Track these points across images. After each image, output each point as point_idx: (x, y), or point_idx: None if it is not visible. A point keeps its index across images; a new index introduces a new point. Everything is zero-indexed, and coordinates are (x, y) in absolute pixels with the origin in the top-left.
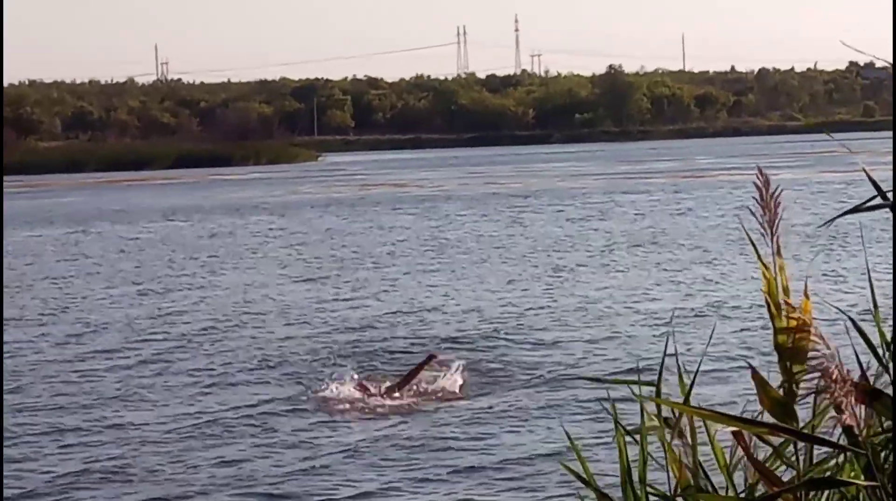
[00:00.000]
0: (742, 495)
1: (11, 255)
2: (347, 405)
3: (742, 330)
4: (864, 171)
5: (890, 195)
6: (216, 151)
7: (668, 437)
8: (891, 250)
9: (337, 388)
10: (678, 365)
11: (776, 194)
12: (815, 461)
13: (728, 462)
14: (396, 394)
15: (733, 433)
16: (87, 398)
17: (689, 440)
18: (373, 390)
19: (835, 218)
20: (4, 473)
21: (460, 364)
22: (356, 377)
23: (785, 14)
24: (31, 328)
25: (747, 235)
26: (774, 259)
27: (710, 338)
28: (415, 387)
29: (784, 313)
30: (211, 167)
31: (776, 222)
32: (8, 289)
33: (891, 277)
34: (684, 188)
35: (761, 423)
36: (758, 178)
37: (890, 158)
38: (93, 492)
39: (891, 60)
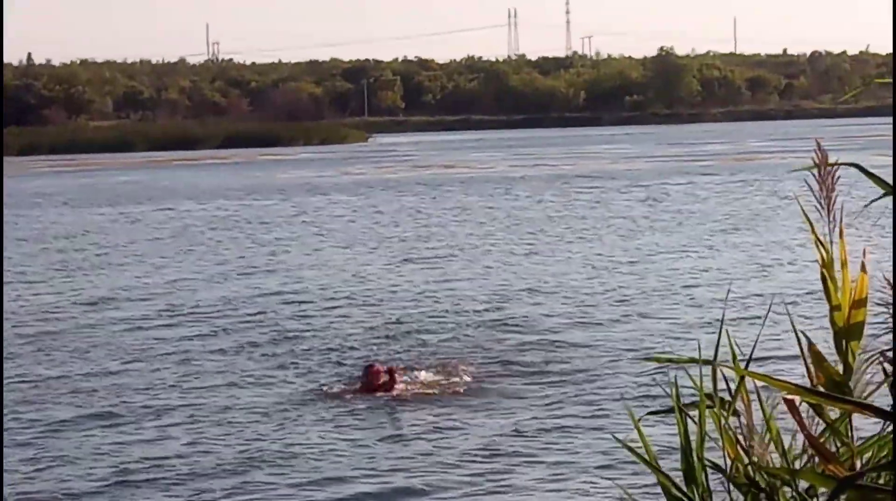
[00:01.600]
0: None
1: (67, 232)
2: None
3: (797, 313)
4: None
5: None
6: (266, 131)
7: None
8: None
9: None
10: (731, 347)
11: (833, 171)
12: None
13: (781, 439)
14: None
15: (788, 407)
16: (151, 380)
17: (745, 418)
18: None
19: (872, 201)
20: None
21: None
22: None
23: None
24: (75, 306)
25: (803, 211)
26: (831, 236)
27: (765, 320)
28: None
29: (839, 288)
30: (261, 147)
31: (833, 198)
32: (69, 267)
33: None
34: (735, 171)
35: (820, 392)
36: (816, 155)
37: None
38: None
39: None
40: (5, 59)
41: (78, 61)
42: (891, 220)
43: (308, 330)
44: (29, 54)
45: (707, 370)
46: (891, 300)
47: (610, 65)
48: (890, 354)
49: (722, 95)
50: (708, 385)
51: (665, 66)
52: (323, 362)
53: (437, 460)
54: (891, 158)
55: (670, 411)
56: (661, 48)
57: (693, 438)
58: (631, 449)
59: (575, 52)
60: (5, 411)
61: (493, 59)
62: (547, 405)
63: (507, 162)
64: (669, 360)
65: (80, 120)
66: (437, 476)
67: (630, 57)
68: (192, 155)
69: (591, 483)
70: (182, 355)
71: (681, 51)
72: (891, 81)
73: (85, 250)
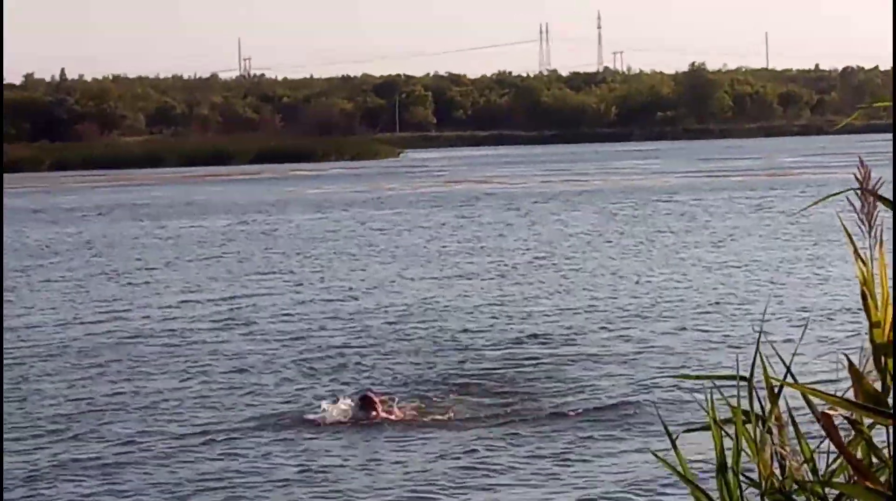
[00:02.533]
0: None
1: (102, 246)
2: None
3: (834, 329)
4: None
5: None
6: (298, 146)
7: (756, 432)
8: None
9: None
10: (763, 365)
11: (877, 186)
12: None
13: (814, 455)
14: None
15: (825, 422)
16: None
17: (778, 433)
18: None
19: None
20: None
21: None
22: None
23: (869, 12)
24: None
25: (844, 227)
26: (871, 252)
27: (801, 337)
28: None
29: (879, 305)
30: (292, 163)
31: (874, 214)
32: (109, 276)
33: None
34: (767, 186)
35: (861, 404)
36: (859, 170)
37: None
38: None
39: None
40: (39, 75)
41: (110, 77)
42: None
43: (338, 347)
44: (62, 70)
45: (743, 385)
46: None
47: (641, 80)
48: None
49: (754, 111)
50: (743, 401)
51: (696, 81)
52: (353, 377)
53: (467, 480)
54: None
55: (706, 428)
56: (693, 63)
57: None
58: (668, 464)
59: (606, 68)
60: (29, 421)
61: (525, 75)
62: (580, 420)
63: (538, 178)
64: (704, 376)
65: (113, 135)
66: (471, 493)
67: (661, 72)
68: (224, 170)
69: (625, 498)
70: (203, 370)
71: (712, 66)
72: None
73: (122, 263)
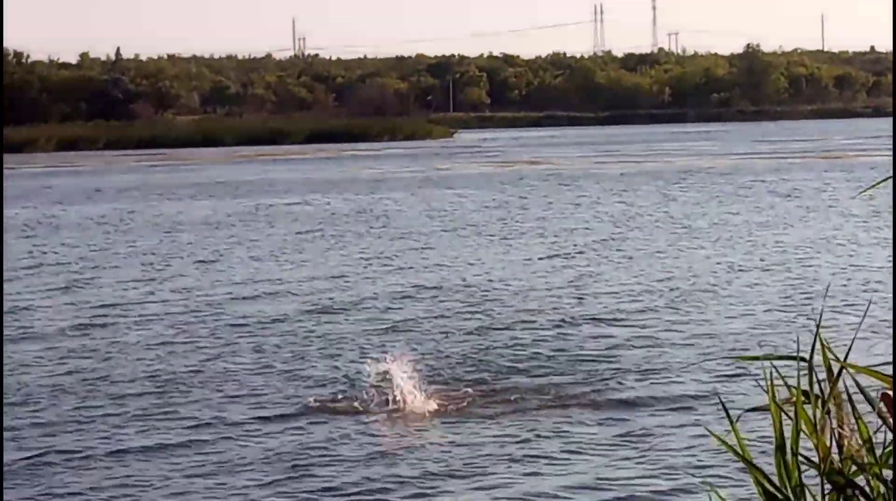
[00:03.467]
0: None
1: (163, 223)
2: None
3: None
4: None
5: None
6: (351, 126)
7: (816, 413)
8: None
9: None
10: (823, 346)
11: None
12: None
13: (872, 436)
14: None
15: (885, 402)
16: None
17: (837, 414)
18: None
19: None
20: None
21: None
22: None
23: None
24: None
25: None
26: None
27: (863, 319)
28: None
29: None
30: (346, 143)
31: None
32: (161, 254)
33: None
34: (824, 168)
35: None
36: None
37: None
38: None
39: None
40: (94, 55)
41: (165, 56)
42: None
43: (398, 325)
44: (117, 49)
45: (803, 366)
46: None
47: (696, 62)
48: None
49: (809, 93)
50: (802, 382)
51: (752, 63)
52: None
53: (521, 464)
54: None
55: (765, 409)
56: (748, 45)
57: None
58: (727, 445)
59: (661, 49)
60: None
61: (579, 56)
62: (639, 401)
63: (592, 158)
64: (763, 357)
65: (167, 115)
66: (538, 476)
67: (716, 54)
68: (278, 150)
69: (681, 479)
70: (257, 347)
71: (768, 48)
72: None
73: (185, 243)
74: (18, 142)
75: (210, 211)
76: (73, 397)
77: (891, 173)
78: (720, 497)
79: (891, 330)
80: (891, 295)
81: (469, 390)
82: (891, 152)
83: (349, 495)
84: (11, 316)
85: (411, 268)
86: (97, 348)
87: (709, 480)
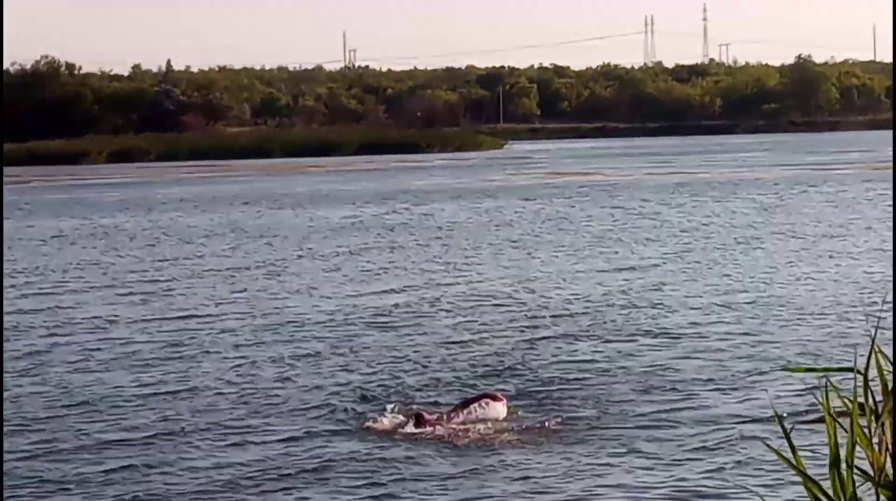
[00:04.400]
0: None
1: (221, 233)
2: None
3: None
4: None
5: None
6: (402, 138)
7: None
8: None
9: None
10: (878, 358)
11: None
12: None
13: None
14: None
15: None
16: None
17: (890, 428)
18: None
19: None
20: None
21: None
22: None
23: None
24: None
25: None
26: None
27: None
28: None
29: None
30: (396, 154)
31: None
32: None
33: None
34: (880, 179)
35: None
36: None
37: None
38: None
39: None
40: (146, 66)
41: (216, 68)
42: None
43: (450, 337)
44: (168, 61)
45: (858, 379)
46: None
47: (747, 72)
48: None
49: (860, 104)
50: (857, 394)
51: (803, 73)
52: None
53: (561, 481)
54: None
55: (819, 421)
56: (799, 56)
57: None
58: (781, 456)
59: (711, 60)
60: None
61: (629, 67)
62: (692, 411)
63: (643, 170)
64: (818, 369)
65: (218, 126)
66: (596, 486)
67: (767, 65)
68: (328, 162)
69: (736, 492)
70: (303, 358)
71: (819, 58)
72: None
73: (250, 253)
74: (71, 153)
75: (266, 222)
76: (154, 407)
77: None
78: None
79: None
80: None
81: (528, 400)
82: None
83: None
84: (79, 324)
85: (472, 279)
86: (174, 357)
87: (764, 494)
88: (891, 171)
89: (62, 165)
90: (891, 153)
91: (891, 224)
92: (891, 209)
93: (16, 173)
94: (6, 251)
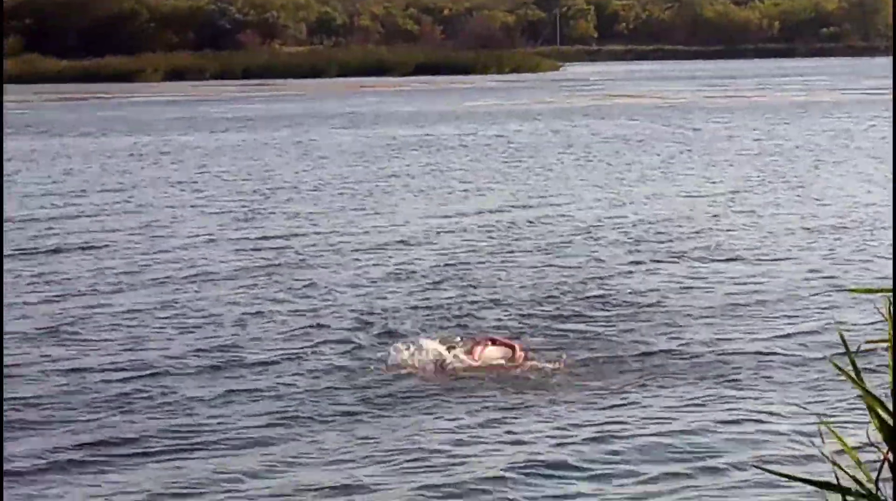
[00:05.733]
0: None
1: (275, 150)
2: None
3: None
4: None
5: None
6: (458, 59)
7: None
8: None
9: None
10: None
11: None
12: None
13: None
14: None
15: None
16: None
17: None
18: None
19: None
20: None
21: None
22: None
23: None
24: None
25: None
26: None
27: None
28: None
29: None
30: (452, 75)
31: None
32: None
33: None
34: None
35: None
36: None
37: None
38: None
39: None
40: None
41: None
42: None
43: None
44: None
45: None
46: None
47: None
48: None
49: None
50: None
51: None
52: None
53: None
54: None
55: (884, 341)
56: None
57: None
58: (845, 372)
59: None
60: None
61: None
62: (755, 334)
63: (701, 93)
64: (882, 290)
65: (273, 45)
66: (658, 407)
67: None
68: (384, 82)
69: (797, 413)
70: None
71: None
72: None
73: (332, 175)
74: (126, 72)
75: (324, 141)
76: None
77: None
78: (830, 427)
79: None
80: None
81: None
82: None
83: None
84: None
85: (551, 202)
86: (248, 275)
87: (825, 413)
88: None
89: (118, 83)
90: None
91: None
92: None
93: (71, 91)
94: (80, 164)
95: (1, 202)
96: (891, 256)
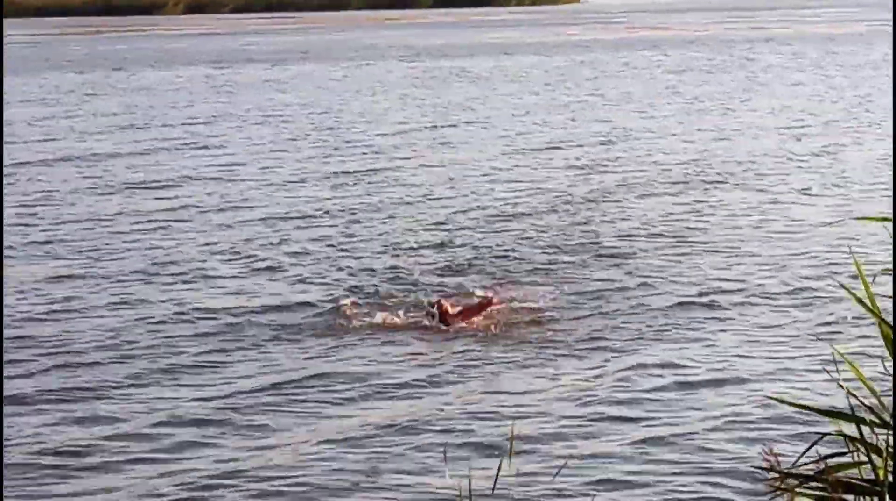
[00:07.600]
0: None
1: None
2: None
3: None
4: None
5: None
6: None
7: None
8: None
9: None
10: None
11: None
12: None
13: None
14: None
15: None
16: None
17: None
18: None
19: None
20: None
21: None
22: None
23: None
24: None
25: None
26: None
27: None
28: None
29: None
30: (472, 7)
31: None
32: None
33: None
34: None
35: None
36: None
37: None
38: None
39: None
40: None
41: None
42: None
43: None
44: None
45: None
46: None
47: None
48: None
49: None
50: None
51: None
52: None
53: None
54: None
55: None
56: None
57: None
58: (856, 297)
59: None
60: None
61: None
62: (769, 262)
63: (723, 25)
64: (892, 218)
65: None
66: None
67: None
68: (405, 14)
69: (811, 341)
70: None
71: None
72: None
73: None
74: (147, 4)
75: (352, 73)
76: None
77: None
78: (845, 357)
79: None
80: None
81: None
82: None
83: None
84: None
85: (583, 142)
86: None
87: (837, 341)
88: None
89: (139, 16)
90: None
91: None
92: None
93: (94, 23)
94: (104, 97)
95: (1, 203)
96: None
